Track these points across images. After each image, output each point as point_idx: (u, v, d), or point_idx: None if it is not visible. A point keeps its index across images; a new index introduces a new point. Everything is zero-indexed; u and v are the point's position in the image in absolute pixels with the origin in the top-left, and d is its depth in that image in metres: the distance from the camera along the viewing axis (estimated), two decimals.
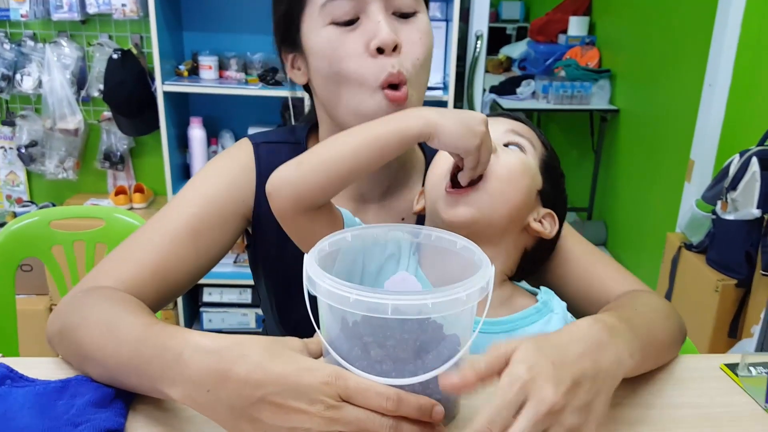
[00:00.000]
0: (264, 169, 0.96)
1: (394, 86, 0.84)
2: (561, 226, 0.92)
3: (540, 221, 0.88)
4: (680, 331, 0.87)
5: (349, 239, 0.69)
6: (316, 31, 0.85)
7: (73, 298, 0.80)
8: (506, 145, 0.87)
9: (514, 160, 0.84)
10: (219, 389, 0.58)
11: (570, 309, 0.93)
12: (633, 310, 0.79)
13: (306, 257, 0.62)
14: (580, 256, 0.95)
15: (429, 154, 1.03)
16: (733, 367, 0.81)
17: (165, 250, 0.87)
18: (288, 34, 0.89)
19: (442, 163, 0.85)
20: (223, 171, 0.95)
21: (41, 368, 0.76)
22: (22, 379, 0.71)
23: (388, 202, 1.00)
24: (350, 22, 0.84)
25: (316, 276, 0.59)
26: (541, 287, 0.91)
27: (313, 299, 0.62)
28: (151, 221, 0.91)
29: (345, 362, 0.60)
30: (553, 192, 0.90)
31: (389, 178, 0.98)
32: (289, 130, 1.01)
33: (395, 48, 0.83)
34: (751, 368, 0.79)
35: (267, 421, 0.57)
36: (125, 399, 0.68)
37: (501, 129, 0.88)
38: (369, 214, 0.99)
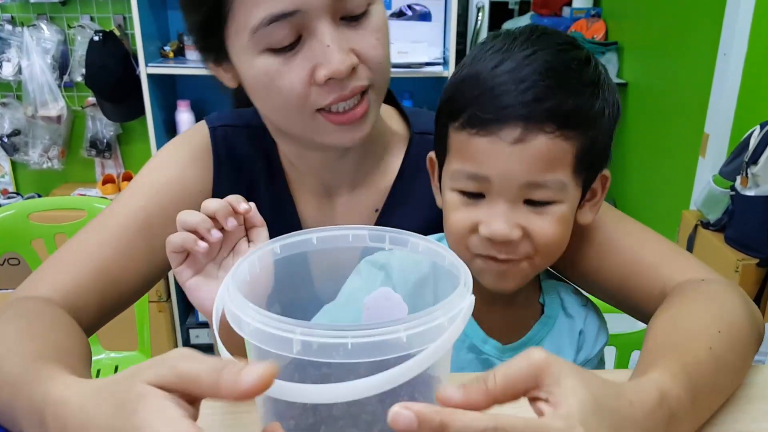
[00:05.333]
0: (222, 154, 0.85)
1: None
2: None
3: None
4: (756, 342, 0.69)
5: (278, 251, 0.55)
6: (249, 59, 0.71)
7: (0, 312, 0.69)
8: (530, 202, 0.67)
9: (552, 231, 0.68)
10: None
11: (617, 304, 0.80)
12: (706, 351, 0.60)
13: (225, 282, 0.49)
14: (622, 241, 0.77)
15: (416, 130, 0.89)
16: None
17: (111, 249, 0.76)
18: (209, 46, 0.75)
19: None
20: (175, 158, 0.84)
21: None
22: None
23: (359, 192, 0.87)
24: (291, 46, 0.69)
25: (241, 310, 0.45)
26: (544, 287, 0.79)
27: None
28: (98, 217, 0.80)
29: None
30: (594, 161, 0.70)
31: (356, 164, 0.86)
32: (254, 110, 0.86)
33: (356, 64, 0.70)
34: None
35: None
36: None
37: (514, 187, 0.66)
38: (337, 210, 0.88)
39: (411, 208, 0.87)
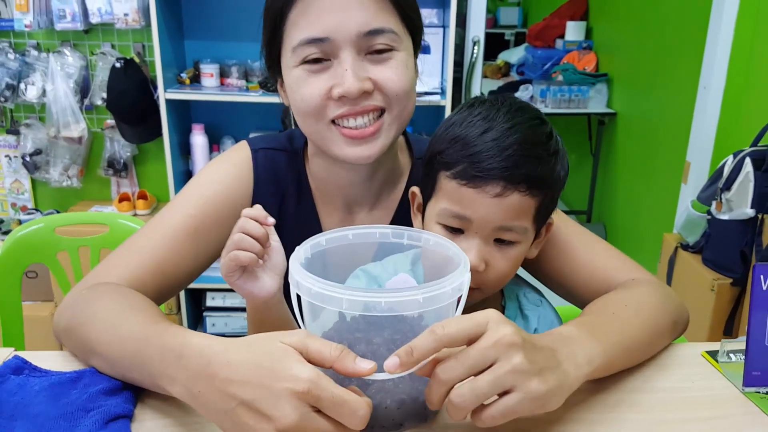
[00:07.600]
0: (261, 175, 0.99)
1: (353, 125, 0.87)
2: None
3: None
4: (673, 321, 0.86)
5: (324, 243, 0.73)
6: (289, 69, 0.88)
7: (78, 295, 0.83)
8: (499, 241, 0.83)
9: (505, 268, 0.84)
10: (208, 392, 0.60)
11: (572, 301, 0.97)
12: (609, 315, 0.79)
13: (290, 261, 0.66)
14: (579, 247, 0.95)
15: (418, 156, 1.04)
16: (713, 354, 0.84)
17: (164, 249, 0.90)
18: (272, 60, 0.92)
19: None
20: (221, 174, 0.98)
21: (53, 360, 0.79)
22: (37, 371, 0.74)
23: (375, 210, 1.02)
24: (320, 65, 0.86)
25: (302, 278, 0.62)
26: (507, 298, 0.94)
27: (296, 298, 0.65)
28: (152, 221, 0.94)
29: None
30: (548, 212, 0.87)
31: (379, 186, 1.01)
32: (288, 136, 1.03)
33: (368, 90, 0.85)
34: (731, 355, 0.82)
35: (250, 423, 0.57)
36: (135, 387, 0.71)
37: (489, 228, 0.82)
38: (357, 224, 1.01)
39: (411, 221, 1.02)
